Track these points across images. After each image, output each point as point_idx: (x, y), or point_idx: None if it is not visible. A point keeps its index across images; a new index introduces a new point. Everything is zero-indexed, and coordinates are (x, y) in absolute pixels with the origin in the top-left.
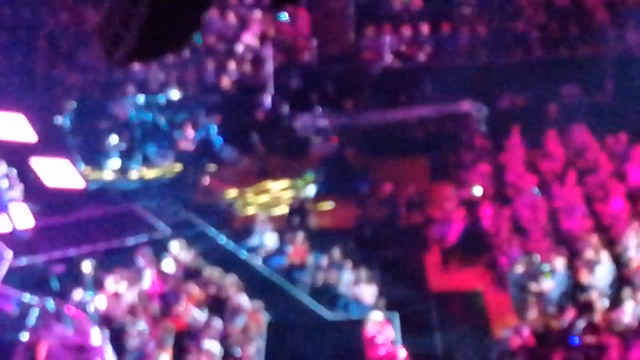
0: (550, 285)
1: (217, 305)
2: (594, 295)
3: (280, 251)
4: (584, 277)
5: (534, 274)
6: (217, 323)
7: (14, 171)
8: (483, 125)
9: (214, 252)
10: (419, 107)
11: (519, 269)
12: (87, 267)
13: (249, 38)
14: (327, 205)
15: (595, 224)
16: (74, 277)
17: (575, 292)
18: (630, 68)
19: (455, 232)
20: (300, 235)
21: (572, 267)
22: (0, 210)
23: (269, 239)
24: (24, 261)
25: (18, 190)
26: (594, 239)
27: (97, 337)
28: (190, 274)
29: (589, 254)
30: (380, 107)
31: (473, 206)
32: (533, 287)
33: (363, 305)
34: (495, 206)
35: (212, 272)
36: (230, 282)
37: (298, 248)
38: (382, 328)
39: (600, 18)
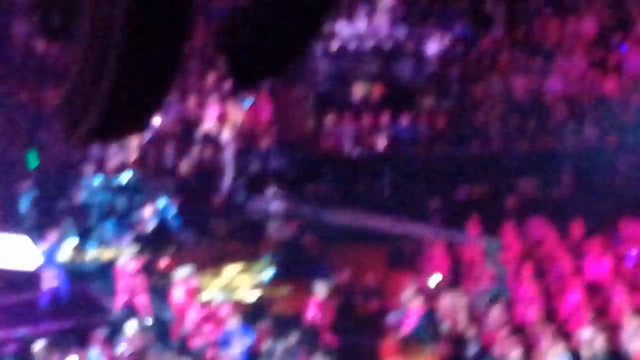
0: None
1: None
2: None
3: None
4: None
5: None
6: None
7: None
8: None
9: (169, 336)
10: (381, 218)
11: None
12: (38, 347)
13: (209, 122)
14: (285, 291)
15: (552, 317)
16: (25, 358)
17: None
18: (588, 162)
19: (412, 321)
20: (261, 322)
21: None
22: None
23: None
24: None
25: None
26: (550, 331)
27: None
28: (142, 357)
29: (544, 345)
30: (339, 196)
31: (431, 295)
32: None
33: None
34: (453, 296)
35: (166, 356)
36: None
37: (259, 334)
38: None
39: (559, 113)
